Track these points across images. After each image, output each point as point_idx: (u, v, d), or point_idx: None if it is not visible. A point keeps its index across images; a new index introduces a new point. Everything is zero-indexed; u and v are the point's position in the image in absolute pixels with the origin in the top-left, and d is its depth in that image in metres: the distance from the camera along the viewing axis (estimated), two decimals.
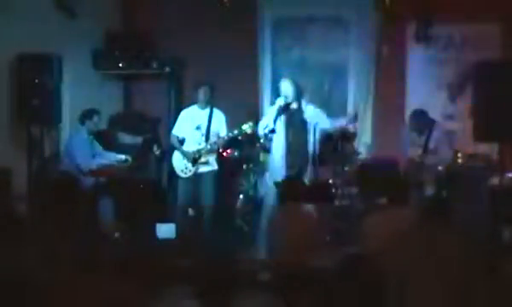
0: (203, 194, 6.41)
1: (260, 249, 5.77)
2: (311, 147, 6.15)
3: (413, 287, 3.16)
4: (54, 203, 3.81)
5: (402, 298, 3.12)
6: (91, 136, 6.54)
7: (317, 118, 6.20)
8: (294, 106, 6.18)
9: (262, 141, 6.82)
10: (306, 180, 6.06)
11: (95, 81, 7.51)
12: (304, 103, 6.23)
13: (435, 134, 6.48)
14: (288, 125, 6.17)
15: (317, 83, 7.89)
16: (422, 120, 6.56)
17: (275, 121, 6.09)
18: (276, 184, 6.07)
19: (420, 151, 6.46)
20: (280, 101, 6.12)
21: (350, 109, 7.77)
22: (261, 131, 6.27)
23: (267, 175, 6.44)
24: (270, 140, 6.30)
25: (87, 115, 6.47)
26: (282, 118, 6.15)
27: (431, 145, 6.41)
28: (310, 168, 6.15)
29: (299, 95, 6.19)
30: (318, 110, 6.30)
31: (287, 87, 6.17)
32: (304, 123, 6.16)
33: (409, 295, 3.14)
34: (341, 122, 6.82)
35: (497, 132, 5.55)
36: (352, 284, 2.52)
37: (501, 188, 5.89)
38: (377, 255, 2.94)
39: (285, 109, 6.13)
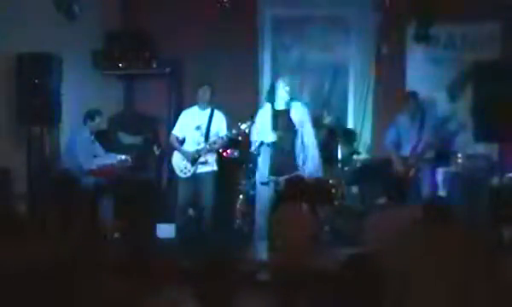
0: (203, 194, 6.40)
1: (260, 249, 5.77)
2: (297, 148, 6.16)
3: (414, 287, 3.16)
4: (54, 202, 3.81)
5: (403, 297, 3.12)
6: (93, 137, 6.54)
7: (302, 118, 6.22)
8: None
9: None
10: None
11: (95, 81, 7.50)
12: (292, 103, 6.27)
13: (428, 116, 6.55)
14: (276, 126, 6.18)
15: (317, 84, 7.91)
16: (415, 101, 6.62)
17: (274, 121, 6.14)
18: (264, 184, 6.11)
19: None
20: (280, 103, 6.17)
21: (350, 109, 7.80)
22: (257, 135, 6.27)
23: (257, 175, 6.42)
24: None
25: (89, 116, 6.49)
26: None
27: (426, 127, 6.43)
28: (296, 168, 6.12)
29: (293, 97, 6.25)
30: (304, 109, 6.30)
31: (284, 89, 6.18)
32: (291, 123, 6.18)
33: (410, 295, 3.14)
34: None
35: (497, 132, 5.55)
36: (353, 283, 2.52)
37: (501, 188, 5.89)
38: (378, 255, 2.94)
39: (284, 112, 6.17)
